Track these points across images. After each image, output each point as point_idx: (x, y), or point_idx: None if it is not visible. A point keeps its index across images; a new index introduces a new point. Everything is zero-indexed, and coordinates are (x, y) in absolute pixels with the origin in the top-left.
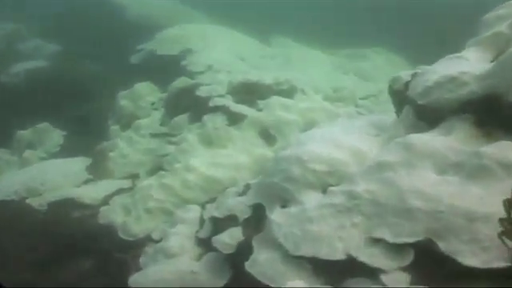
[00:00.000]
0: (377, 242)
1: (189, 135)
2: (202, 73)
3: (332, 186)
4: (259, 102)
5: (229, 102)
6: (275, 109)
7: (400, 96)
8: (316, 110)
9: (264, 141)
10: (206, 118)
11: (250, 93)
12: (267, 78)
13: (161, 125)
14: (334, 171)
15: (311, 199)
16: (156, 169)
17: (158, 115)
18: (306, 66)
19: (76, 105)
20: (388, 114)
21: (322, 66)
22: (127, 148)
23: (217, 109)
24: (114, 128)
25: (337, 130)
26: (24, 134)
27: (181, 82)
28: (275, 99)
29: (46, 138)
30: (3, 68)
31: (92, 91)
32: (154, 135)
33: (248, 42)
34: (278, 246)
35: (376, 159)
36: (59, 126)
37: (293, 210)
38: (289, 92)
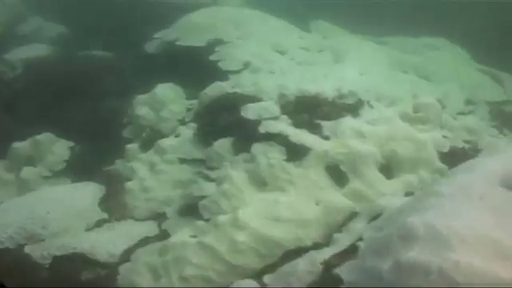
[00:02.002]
0: None
1: (233, 172)
2: (237, 72)
3: None
4: (323, 124)
5: (286, 128)
6: (346, 135)
7: None
8: (398, 137)
9: (332, 180)
10: (256, 148)
11: (309, 110)
12: (328, 89)
13: (193, 146)
14: None
15: None
16: (189, 209)
17: (187, 132)
18: (360, 62)
19: (84, 105)
20: None
21: (378, 63)
22: (150, 178)
23: (270, 137)
24: (132, 147)
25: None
26: (21, 147)
27: (214, 90)
28: (345, 123)
29: (48, 152)
30: None
31: (103, 88)
32: (184, 161)
33: (287, 30)
34: None
35: None
36: (63, 133)
37: None
38: (355, 107)
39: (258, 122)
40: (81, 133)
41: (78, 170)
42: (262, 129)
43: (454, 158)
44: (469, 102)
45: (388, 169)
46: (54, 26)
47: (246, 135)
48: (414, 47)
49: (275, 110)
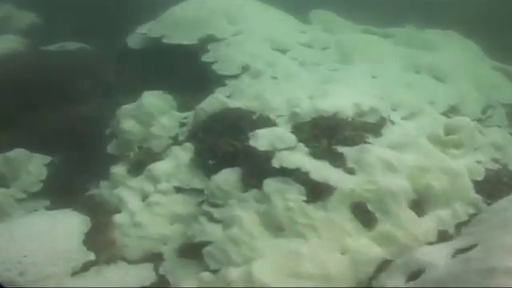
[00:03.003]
0: None
1: (243, 213)
2: (235, 77)
3: None
4: (345, 152)
5: (305, 162)
6: (373, 168)
7: None
8: (430, 168)
9: (358, 222)
10: (269, 186)
11: (328, 134)
12: (346, 106)
13: (190, 173)
14: None
15: None
16: (189, 249)
17: (183, 155)
18: (370, 61)
19: (59, 110)
20: None
21: (389, 61)
22: (142, 211)
23: (286, 172)
24: (118, 171)
25: None
26: None
27: (212, 104)
28: (371, 152)
29: (21, 171)
30: None
31: (81, 89)
32: (181, 190)
33: (286, 22)
34: None
35: None
36: (36, 144)
37: None
38: (376, 126)
39: (270, 153)
40: (57, 145)
41: (57, 191)
42: (276, 162)
43: (486, 184)
44: (487, 106)
45: (419, 204)
46: (24, 15)
47: (255, 167)
48: (422, 41)
49: (290, 138)
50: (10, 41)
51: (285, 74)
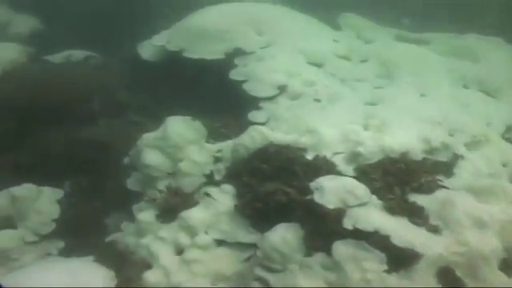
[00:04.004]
0: None
1: (308, 283)
2: (272, 100)
3: None
4: (425, 205)
5: (383, 223)
6: (460, 224)
7: None
8: None
9: None
10: (340, 251)
11: (399, 181)
12: (414, 143)
13: (234, 223)
14: None
15: None
16: None
17: (222, 199)
18: (415, 76)
19: (68, 132)
20: None
21: (435, 76)
22: (178, 269)
23: (360, 235)
24: (145, 218)
25: None
26: None
27: (254, 139)
28: (458, 206)
29: (31, 210)
30: None
31: (90, 107)
32: (224, 244)
33: (316, 29)
34: None
35: None
36: (44, 174)
37: None
38: (448, 165)
39: (340, 210)
40: (66, 174)
41: (72, 231)
42: (348, 222)
43: None
44: None
45: (507, 263)
46: (25, 20)
47: (319, 226)
48: (463, 50)
49: (363, 192)
50: (9, 50)
51: (327, 94)
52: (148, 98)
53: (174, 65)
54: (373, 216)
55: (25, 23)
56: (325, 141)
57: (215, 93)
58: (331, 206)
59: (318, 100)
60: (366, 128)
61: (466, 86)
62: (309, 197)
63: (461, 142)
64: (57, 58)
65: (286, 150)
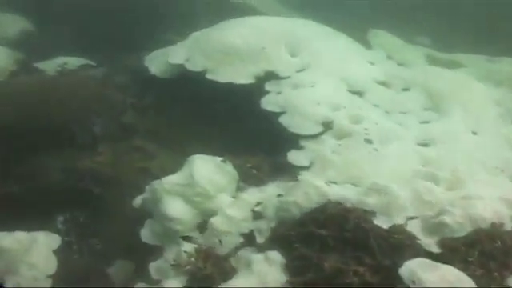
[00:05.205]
0: None
1: None
2: (315, 139)
3: None
4: None
5: None
6: None
7: None
8: None
9: None
10: None
11: (497, 264)
12: (501, 206)
13: None
14: None
15: None
16: None
17: (269, 271)
18: (462, 108)
19: (64, 159)
20: None
21: (483, 109)
22: None
23: None
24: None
25: None
26: None
27: (308, 197)
28: None
29: (21, 263)
30: None
31: (91, 130)
32: None
33: (348, 47)
34: None
35: None
36: (37, 208)
37: None
38: None
39: None
40: (63, 210)
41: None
42: None
43: None
44: None
45: None
46: (13, 20)
47: None
48: (502, 75)
49: (465, 280)
50: None
51: (378, 133)
52: (158, 121)
53: (189, 84)
54: None
55: (14, 24)
56: (396, 202)
57: (242, 123)
58: None
59: (369, 141)
60: (435, 182)
61: None
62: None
63: None
64: (49, 65)
65: (351, 213)
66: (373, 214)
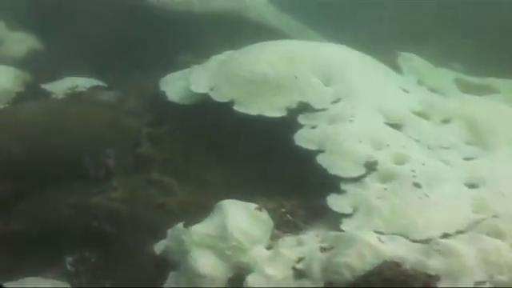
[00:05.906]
0: None
1: None
2: (357, 182)
3: None
4: None
5: None
6: None
7: None
8: None
9: None
10: None
11: None
12: None
13: None
14: None
15: None
16: None
17: None
18: (506, 143)
19: (74, 194)
20: None
21: None
22: None
23: None
24: None
25: None
26: None
27: (362, 257)
28: None
29: None
30: None
31: (103, 163)
32: None
33: (380, 74)
34: None
35: None
36: (46, 249)
37: None
38: None
39: None
40: (74, 251)
41: None
42: None
43: None
44: None
45: None
46: (22, 38)
47: None
48: None
49: None
50: (2, 76)
51: (425, 175)
52: (176, 152)
53: (212, 113)
54: None
55: (21, 42)
56: (461, 263)
57: (272, 160)
58: None
59: (417, 185)
60: (499, 236)
61: None
62: None
63: None
64: (58, 87)
65: (411, 278)
66: (437, 278)
